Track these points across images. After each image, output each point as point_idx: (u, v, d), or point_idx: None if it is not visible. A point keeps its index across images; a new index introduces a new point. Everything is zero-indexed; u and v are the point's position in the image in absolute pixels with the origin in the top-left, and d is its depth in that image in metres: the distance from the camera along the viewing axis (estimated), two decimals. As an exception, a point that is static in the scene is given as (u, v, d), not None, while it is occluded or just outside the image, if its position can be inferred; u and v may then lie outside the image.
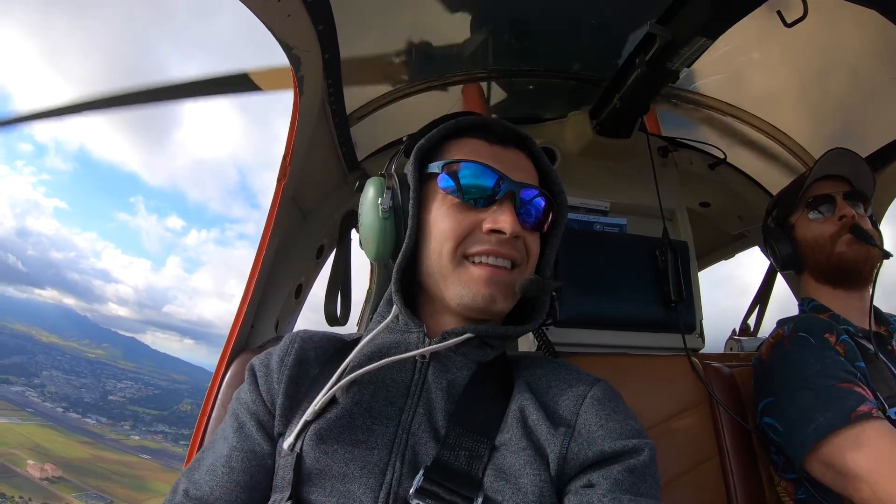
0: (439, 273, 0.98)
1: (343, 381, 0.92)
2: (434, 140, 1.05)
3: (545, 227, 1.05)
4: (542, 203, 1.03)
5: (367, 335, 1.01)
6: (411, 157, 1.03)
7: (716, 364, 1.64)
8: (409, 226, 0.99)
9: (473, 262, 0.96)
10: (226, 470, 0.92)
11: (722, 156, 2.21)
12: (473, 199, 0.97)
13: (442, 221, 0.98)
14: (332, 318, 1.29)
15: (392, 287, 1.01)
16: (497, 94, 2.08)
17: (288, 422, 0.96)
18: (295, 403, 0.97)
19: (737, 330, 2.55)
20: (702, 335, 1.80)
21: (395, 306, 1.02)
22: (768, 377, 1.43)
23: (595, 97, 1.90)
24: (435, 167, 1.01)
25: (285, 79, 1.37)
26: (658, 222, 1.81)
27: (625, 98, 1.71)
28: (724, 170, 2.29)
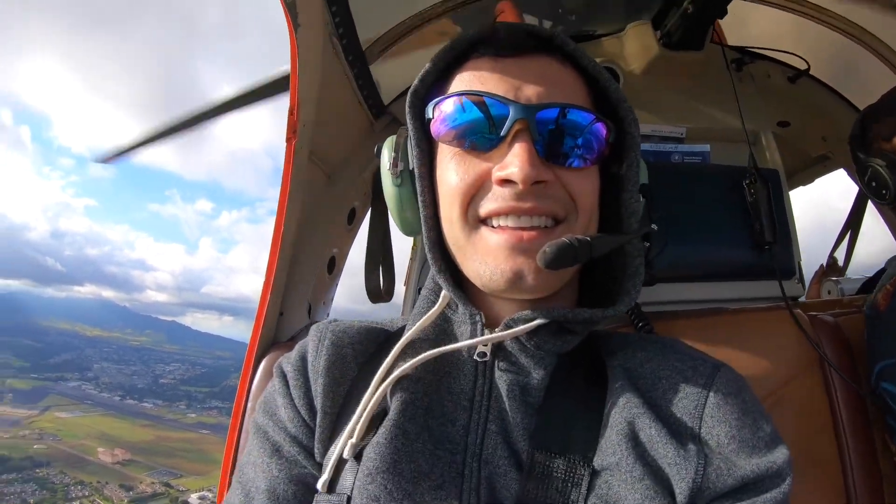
0: (455, 245, 0.78)
1: (385, 385, 0.73)
2: (430, 78, 0.81)
3: (603, 155, 0.77)
4: (587, 122, 0.74)
5: (409, 327, 0.81)
6: (406, 105, 0.81)
7: (821, 316, 1.41)
8: (418, 189, 0.79)
9: (491, 227, 0.73)
10: None
11: (805, 66, 1.93)
12: (473, 143, 0.74)
13: (447, 178, 0.76)
14: (375, 295, 1.07)
15: (432, 268, 0.80)
16: (539, 11, 1.85)
17: (327, 447, 0.76)
18: (333, 422, 0.78)
19: (824, 265, 2.36)
20: (801, 280, 1.55)
21: (443, 290, 0.80)
22: (888, 334, 1.22)
23: (657, 3, 1.65)
24: (430, 111, 0.78)
25: None
26: (742, 148, 1.58)
27: (697, 0, 1.44)
28: (805, 83, 2.01)
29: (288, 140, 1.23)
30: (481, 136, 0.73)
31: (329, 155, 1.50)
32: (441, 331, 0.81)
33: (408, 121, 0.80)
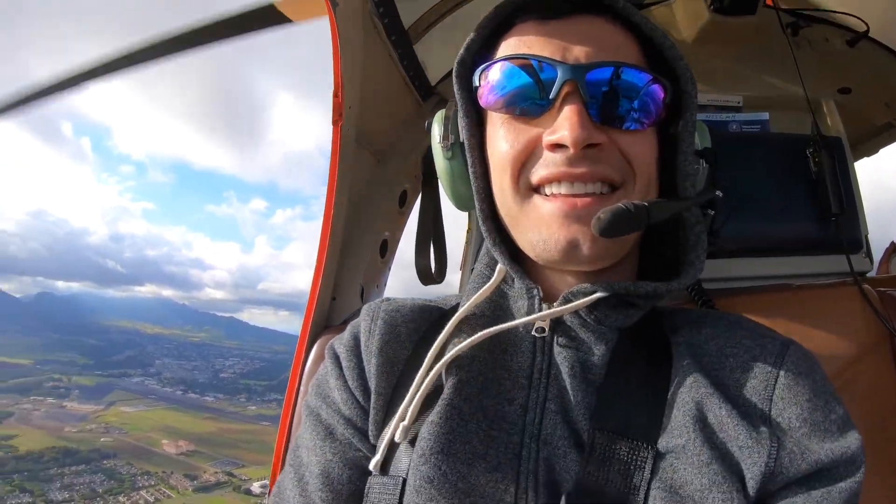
0: (508, 216, 0.75)
1: (439, 365, 0.71)
2: (475, 46, 0.78)
3: (660, 117, 0.73)
4: (643, 83, 0.70)
5: (464, 303, 0.78)
6: (453, 74, 0.78)
7: (891, 291, 1.31)
8: (469, 161, 0.77)
9: (544, 195, 0.70)
10: (326, 495, 0.73)
11: (864, 28, 1.79)
12: (523, 109, 0.70)
13: (497, 147, 0.73)
14: (425, 276, 1.06)
15: (487, 241, 0.78)
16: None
17: (381, 429, 0.74)
18: (387, 402, 0.76)
19: (894, 242, 2.18)
20: (869, 254, 1.46)
21: (498, 264, 0.78)
22: None
23: None
24: (477, 79, 0.75)
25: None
26: (802, 116, 1.47)
27: None
28: (866, 46, 1.87)
29: (334, 123, 1.23)
30: (531, 101, 0.69)
31: (377, 137, 1.48)
32: (497, 306, 0.78)
33: (455, 91, 0.78)
